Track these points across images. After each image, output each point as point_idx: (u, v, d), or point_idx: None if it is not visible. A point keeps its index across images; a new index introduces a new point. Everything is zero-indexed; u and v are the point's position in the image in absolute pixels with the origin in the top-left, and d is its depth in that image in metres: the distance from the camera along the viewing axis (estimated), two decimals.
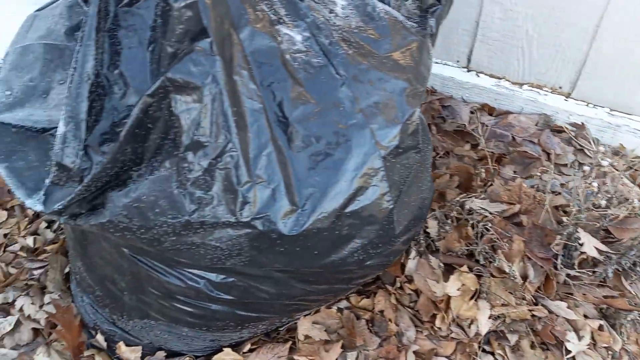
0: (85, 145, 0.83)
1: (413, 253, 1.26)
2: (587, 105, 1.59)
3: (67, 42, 0.96)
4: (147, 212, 0.85)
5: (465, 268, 1.20)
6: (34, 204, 0.86)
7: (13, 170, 0.89)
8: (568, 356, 1.19)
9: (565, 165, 1.52)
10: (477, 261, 1.24)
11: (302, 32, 0.91)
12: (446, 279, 1.21)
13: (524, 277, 1.21)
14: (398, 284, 1.27)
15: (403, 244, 1.05)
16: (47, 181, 0.85)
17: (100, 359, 1.30)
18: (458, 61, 1.74)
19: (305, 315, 1.30)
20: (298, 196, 0.87)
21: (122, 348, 1.29)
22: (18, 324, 1.39)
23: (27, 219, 1.60)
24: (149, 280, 1.07)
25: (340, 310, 1.30)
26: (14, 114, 0.90)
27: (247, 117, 0.83)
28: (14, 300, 1.42)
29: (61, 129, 0.81)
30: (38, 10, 1.06)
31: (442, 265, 1.23)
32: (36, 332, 1.39)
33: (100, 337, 1.32)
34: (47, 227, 1.58)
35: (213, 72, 0.79)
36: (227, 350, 1.27)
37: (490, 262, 1.23)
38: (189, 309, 1.10)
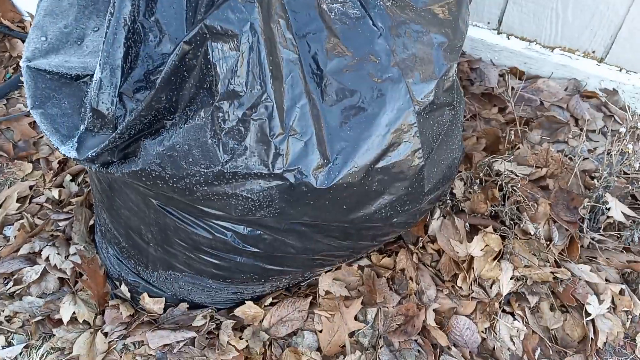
0: (120, 93, 0.82)
1: (437, 213, 1.26)
2: (620, 70, 1.55)
3: None
4: (180, 161, 0.85)
5: (490, 229, 1.20)
6: (68, 151, 0.87)
7: (47, 117, 0.89)
8: (587, 319, 1.20)
9: (594, 131, 1.50)
10: (502, 222, 1.24)
11: None
12: (469, 240, 1.21)
13: (548, 240, 1.21)
14: (420, 244, 1.27)
15: (430, 203, 1.04)
16: (82, 127, 0.86)
17: (124, 308, 1.33)
18: (489, 23, 1.70)
19: (326, 272, 1.31)
20: (330, 150, 0.86)
21: (145, 299, 1.32)
22: (44, 273, 1.42)
23: (51, 171, 1.62)
24: (176, 231, 1.08)
25: (361, 267, 1.32)
26: (49, 60, 0.90)
27: (283, 67, 0.82)
28: (40, 250, 1.44)
29: (97, 74, 0.81)
30: None
31: (466, 225, 1.24)
32: (62, 281, 1.42)
33: (124, 288, 1.35)
34: (71, 180, 1.60)
35: (251, 19, 0.77)
36: (249, 303, 1.30)
37: (516, 223, 1.23)
38: (215, 261, 1.12)
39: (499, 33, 1.69)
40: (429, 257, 1.27)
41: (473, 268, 1.20)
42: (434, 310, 1.22)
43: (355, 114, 0.87)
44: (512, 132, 1.39)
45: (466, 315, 1.21)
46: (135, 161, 0.87)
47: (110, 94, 0.81)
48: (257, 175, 0.85)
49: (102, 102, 0.82)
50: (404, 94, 0.88)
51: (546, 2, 1.52)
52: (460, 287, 1.22)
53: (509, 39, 1.66)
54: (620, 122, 1.48)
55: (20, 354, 1.31)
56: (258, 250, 1.07)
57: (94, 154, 0.85)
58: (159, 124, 0.85)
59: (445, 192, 1.12)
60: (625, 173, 1.26)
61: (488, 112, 1.56)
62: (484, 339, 1.20)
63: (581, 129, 1.44)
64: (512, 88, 1.60)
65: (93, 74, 0.91)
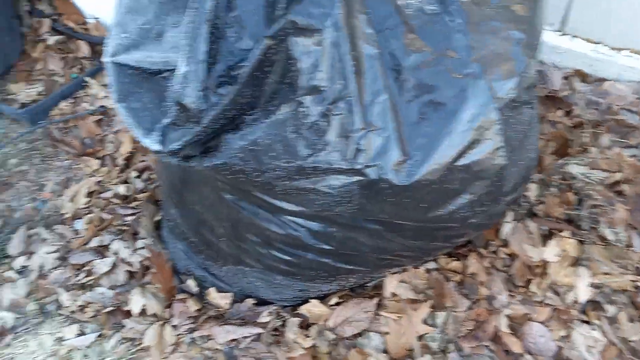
0: (204, 87, 0.84)
1: (510, 216, 1.22)
2: None
3: None
4: (262, 156, 0.86)
5: (566, 233, 1.16)
6: (152, 144, 0.89)
7: (131, 110, 0.92)
8: None
9: None
10: (579, 227, 1.20)
11: None
12: (544, 244, 1.17)
13: (628, 246, 1.15)
14: (492, 247, 1.24)
15: (507, 204, 1.02)
16: (166, 121, 0.88)
17: (192, 302, 1.35)
18: (552, 24, 1.65)
19: (392, 274, 1.30)
20: (410, 146, 0.86)
21: (212, 294, 1.35)
22: (114, 265, 1.46)
23: (117, 168, 1.68)
24: (249, 227, 1.10)
25: (428, 271, 1.30)
26: (131, 56, 0.93)
27: (364, 62, 0.82)
28: (109, 244, 1.49)
29: (182, 68, 0.83)
30: None
31: (540, 229, 1.20)
32: (130, 274, 1.46)
33: (191, 282, 1.38)
34: (137, 177, 1.65)
35: (334, 14, 0.78)
36: (315, 301, 1.30)
37: (594, 228, 1.18)
38: (286, 257, 1.12)
39: (562, 34, 1.63)
40: (501, 261, 1.23)
41: (548, 273, 1.16)
42: (506, 316, 1.18)
43: (434, 110, 0.86)
44: (583, 135, 1.33)
45: (540, 322, 1.16)
46: (217, 155, 0.89)
47: (195, 88, 0.83)
48: (337, 171, 0.85)
49: (187, 96, 0.84)
50: (485, 90, 0.86)
51: (613, 4, 1.47)
52: (534, 293, 1.18)
53: (572, 40, 1.61)
54: None
55: (93, 343, 1.35)
56: (329, 248, 1.07)
57: (178, 147, 0.87)
58: (239, 119, 0.87)
59: (521, 194, 1.08)
60: None
61: (553, 115, 1.51)
62: (559, 348, 1.16)
63: None
64: (578, 91, 1.55)
65: (173, 69, 0.94)
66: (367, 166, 0.84)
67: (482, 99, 0.86)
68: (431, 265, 1.30)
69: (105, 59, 0.92)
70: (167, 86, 0.91)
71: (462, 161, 0.87)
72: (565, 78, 1.64)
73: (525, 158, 0.99)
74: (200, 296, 1.38)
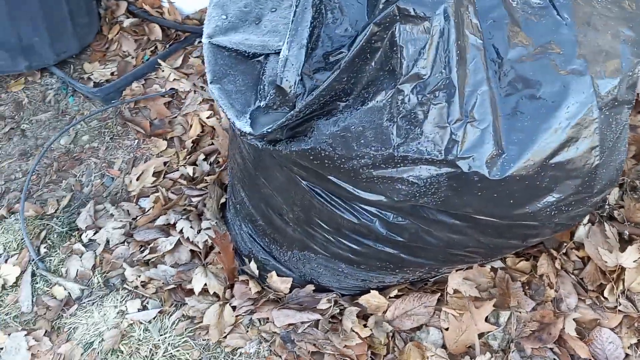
0: (302, 72, 0.84)
1: (586, 219, 1.20)
2: None
3: None
4: (352, 142, 0.86)
5: None
6: (243, 126, 0.90)
7: (224, 92, 0.93)
8: None
9: None
10: None
11: None
12: (622, 250, 1.14)
13: None
14: (563, 249, 1.22)
15: (592, 206, 0.99)
16: (261, 104, 0.89)
17: (253, 285, 1.37)
18: None
19: (456, 270, 1.29)
20: (505, 140, 0.84)
21: (273, 277, 1.36)
22: (177, 244, 1.49)
23: (185, 150, 1.70)
24: (320, 213, 1.10)
25: (494, 269, 1.28)
26: (229, 38, 0.94)
27: (469, 52, 0.81)
28: (175, 223, 1.52)
29: (284, 52, 0.83)
30: None
31: (619, 234, 1.17)
32: (193, 253, 1.49)
33: (253, 265, 1.39)
34: (204, 159, 1.67)
35: (446, 3, 0.77)
36: (374, 292, 1.30)
37: None
38: (354, 246, 1.12)
39: None
40: (572, 264, 1.21)
41: (623, 279, 1.13)
42: (574, 319, 1.16)
43: (533, 104, 0.85)
44: None
45: (611, 329, 1.14)
46: (306, 140, 0.89)
47: (294, 72, 0.84)
48: (427, 161, 0.85)
49: (286, 80, 0.84)
50: (589, 87, 0.84)
51: None
52: (606, 299, 1.15)
53: None
54: None
55: (154, 318, 1.38)
56: (401, 240, 1.06)
57: (268, 130, 0.87)
58: (332, 105, 0.87)
59: (606, 196, 1.06)
60: None
61: (633, 119, 1.47)
62: (627, 355, 1.13)
63: None
64: None
65: (269, 53, 0.94)
66: (460, 158, 0.83)
67: (584, 96, 0.84)
68: (497, 264, 1.29)
69: (203, 39, 0.93)
70: (262, 69, 0.92)
71: (557, 158, 0.86)
72: None
73: (615, 159, 0.96)
74: (261, 279, 1.40)
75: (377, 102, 0.83)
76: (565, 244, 1.22)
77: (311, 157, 0.91)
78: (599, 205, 1.19)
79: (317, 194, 1.07)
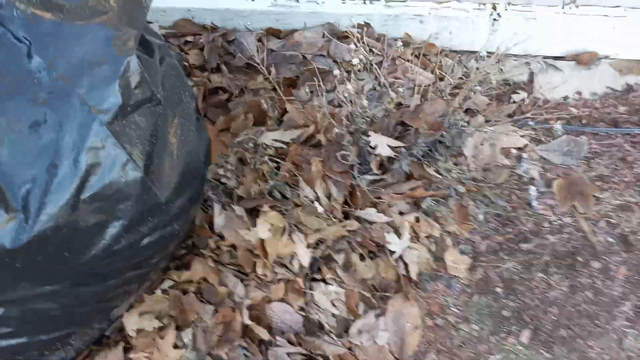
0: None
1: (217, 208, 1.16)
2: (364, 3, 1.55)
3: None
4: None
5: (266, 207, 1.13)
6: None
7: None
8: (394, 256, 1.19)
9: (359, 70, 1.48)
10: (284, 196, 1.18)
11: None
12: (254, 225, 1.13)
13: (329, 197, 1.17)
14: (213, 245, 1.18)
15: (181, 209, 0.94)
16: None
17: None
18: None
19: (128, 310, 1.17)
20: (13, 199, 0.72)
21: None
22: None
23: None
24: None
25: (165, 291, 1.20)
26: None
27: None
28: None
29: None
30: None
31: (247, 211, 1.16)
32: None
33: None
34: None
35: None
36: None
37: (295, 191, 1.17)
38: None
39: None
40: (227, 255, 1.18)
41: (268, 251, 1.13)
42: (248, 307, 1.14)
43: (29, 147, 0.73)
44: (275, 98, 1.32)
45: (280, 300, 1.14)
46: None
47: None
48: None
49: None
50: (80, 107, 0.74)
51: None
52: (265, 274, 1.14)
53: (253, 0, 1.59)
54: (380, 53, 1.48)
55: None
56: (9, 330, 0.90)
57: None
58: None
59: (197, 192, 1.02)
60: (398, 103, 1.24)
61: (255, 83, 1.48)
62: (306, 316, 1.15)
63: (347, 72, 1.41)
64: (272, 50, 1.54)
65: None
66: None
67: (80, 118, 0.74)
68: (166, 284, 1.20)
69: None
70: None
71: (88, 192, 0.76)
72: (259, 40, 1.62)
73: (180, 156, 0.91)
74: None
75: None
76: (211, 240, 1.17)
77: None
78: (195, 199, 1.14)
79: None
